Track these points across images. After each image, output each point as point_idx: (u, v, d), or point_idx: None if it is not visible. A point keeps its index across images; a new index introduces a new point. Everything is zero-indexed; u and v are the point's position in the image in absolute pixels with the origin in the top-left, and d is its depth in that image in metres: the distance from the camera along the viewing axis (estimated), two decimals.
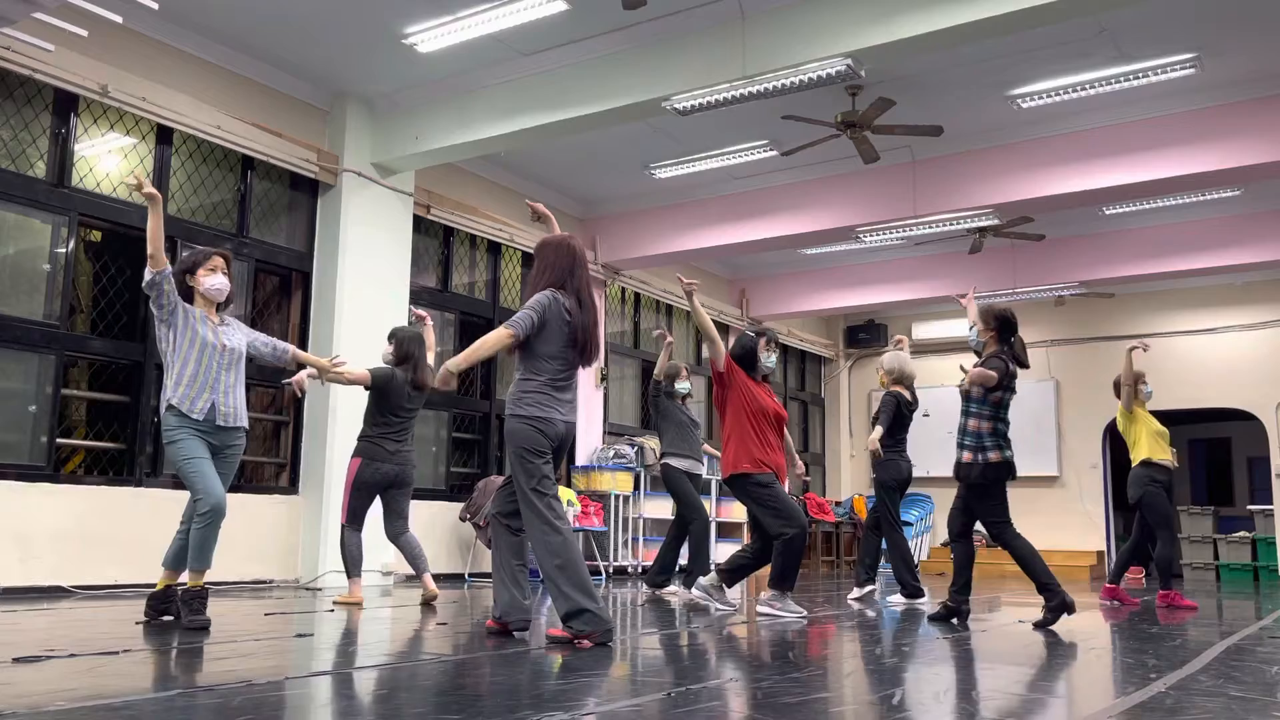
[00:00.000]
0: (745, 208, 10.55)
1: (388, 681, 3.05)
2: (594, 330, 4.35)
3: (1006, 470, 5.45)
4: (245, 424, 4.73)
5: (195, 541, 4.46)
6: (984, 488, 5.48)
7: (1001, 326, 5.56)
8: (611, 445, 10.85)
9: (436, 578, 8.82)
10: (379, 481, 6.09)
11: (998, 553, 13.20)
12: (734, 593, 7.95)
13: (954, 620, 5.51)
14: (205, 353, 4.59)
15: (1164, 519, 7.01)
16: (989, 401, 5.45)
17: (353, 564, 6.11)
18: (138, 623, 4.59)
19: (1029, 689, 3.16)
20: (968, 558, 5.65)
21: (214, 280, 4.71)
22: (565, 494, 8.94)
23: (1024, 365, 5.59)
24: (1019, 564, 5.36)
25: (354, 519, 6.10)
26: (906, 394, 7.38)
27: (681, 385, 7.68)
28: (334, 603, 6.11)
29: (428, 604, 6.04)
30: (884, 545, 7.47)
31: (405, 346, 6.27)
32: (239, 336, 4.83)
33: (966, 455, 5.48)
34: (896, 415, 7.28)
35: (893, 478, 7.29)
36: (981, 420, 5.47)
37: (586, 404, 10.84)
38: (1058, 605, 5.24)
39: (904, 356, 7.50)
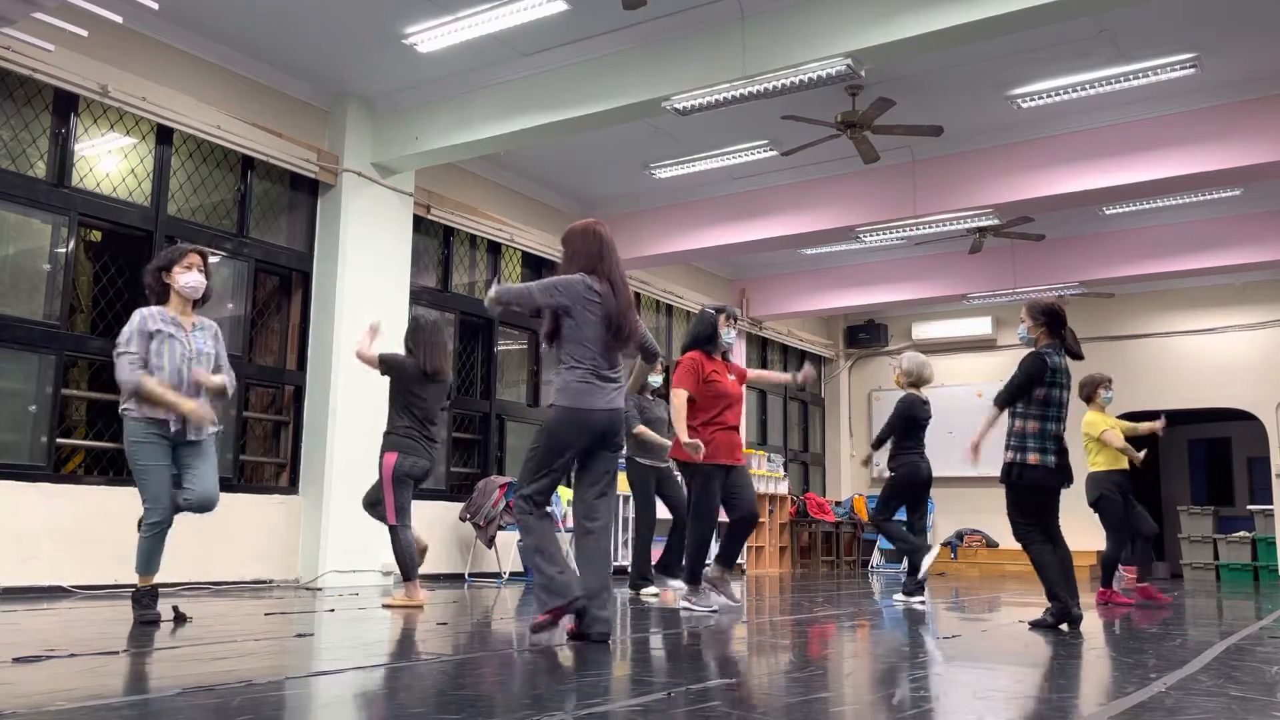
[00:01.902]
0: (745, 208, 10.55)
1: (388, 681, 3.05)
2: (629, 312, 4.24)
3: (1044, 474, 5.18)
4: (200, 435, 4.71)
5: (143, 549, 4.57)
6: (1017, 489, 5.25)
7: (1050, 320, 5.35)
8: None
9: (436, 578, 8.84)
10: (415, 474, 5.83)
11: (998, 553, 13.20)
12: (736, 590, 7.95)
13: (1063, 626, 5.17)
14: (175, 364, 4.59)
15: (1118, 522, 7.09)
16: (1035, 399, 5.23)
17: (411, 562, 5.79)
18: (141, 623, 4.59)
19: (1029, 689, 3.16)
20: (1052, 561, 5.27)
21: (189, 278, 4.69)
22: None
23: (1076, 357, 5.37)
24: (1034, 568, 5.28)
25: (401, 515, 5.81)
26: (921, 396, 7.43)
27: (653, 379, 7.64)
28: (386, 605, 5.85)
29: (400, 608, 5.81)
30: (884, 544, 7.49)
31: (410, 335, 5.99)
32: (210, 341, 4.79)
33: (1008, 455, 5.27)
34: (912, 417, 7.33)
35: (908, 477, 7.32)
36: (1027, 421, 5.25)
37: None
38: (1059, 612, 5.16)
39: (923, 358, 7.56)
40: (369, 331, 5.92)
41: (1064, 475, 5.29)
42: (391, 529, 5.81)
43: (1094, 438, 7.15)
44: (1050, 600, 5.22)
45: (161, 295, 4.71)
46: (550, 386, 10.20)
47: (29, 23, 5.78)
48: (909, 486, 7.37)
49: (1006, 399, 5.30)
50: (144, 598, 4.63)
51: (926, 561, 7.26)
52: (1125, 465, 7.16)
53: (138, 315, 4.63)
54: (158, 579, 4.70)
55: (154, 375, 4.54)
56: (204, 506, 4.67)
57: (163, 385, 4.50)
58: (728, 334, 6.00)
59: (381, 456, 5.83)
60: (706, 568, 5.97)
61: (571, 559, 4.31)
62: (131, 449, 4.56)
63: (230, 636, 4.17)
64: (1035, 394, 5.24)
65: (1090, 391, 7.30)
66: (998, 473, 5.40)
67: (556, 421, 4.13)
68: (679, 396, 5.88)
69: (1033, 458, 5.20)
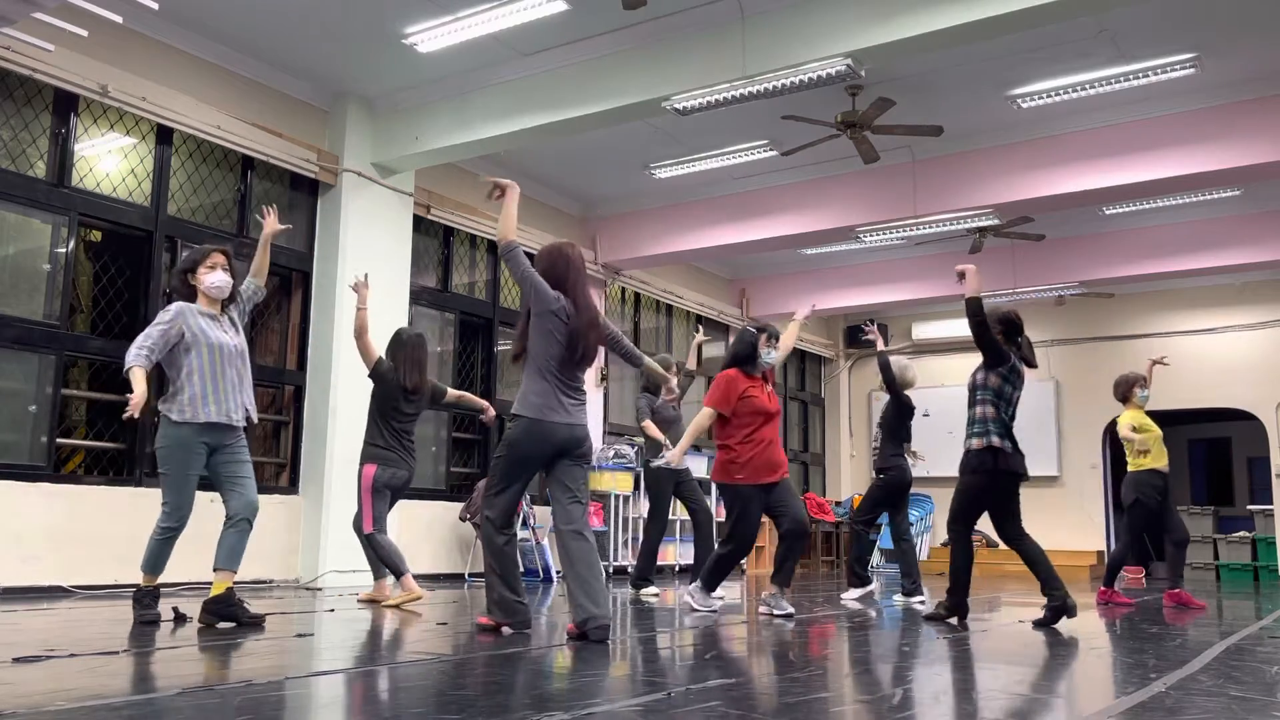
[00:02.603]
0: (745, 208, 10.55)
1: (388, 681, 3.05)
2: (590, 334, 4.43)
3: (1006, 459, 5.25)
4: (242, 422, 4.73)
5: (153, 550, 4.59)
6: (989, 475, 5.30)
7: (1007, 329, 5.45)
8: (611, 445, 10.85)
9: (436, 578, 8.84)
10: (394, 485, 5.96)
11: (998, 553, 13.20)
12: (729, 592, 7.95)
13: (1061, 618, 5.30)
14: (215, 354, 4.61)
15: (1139, 529, 7.18)
16: (990, 386, 5.33)
17: (398, 560, 5.88)
18: (141, 623, 4.58)
19: (1029, 689, 3.16)
20: (970, 565, 5.48)
21: (214, 278, 4.71)
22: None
23: (1031, 365, 5.47)
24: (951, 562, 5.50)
25: (379, 523, 5.91)
26: (910, 401, 7.50)
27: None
28: (387, 606, 5.86)
29: (393, 606, 5.81)
30: (884, 543, 7.53)
31: (390, 349, 6.08)
32: (240, 335, 4.84)
33: (975, 443, 5.35)
34: (901, 418, 7.40)
35: (898, 481, 7.34)
36: (986, 406, 5.32)
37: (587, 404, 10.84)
38: (952, 607, 5.43)
39: (905, 361, 7.63)
40: (361, 292, 5.98)
41: (1023, 465, 5.38)
42: (368, 536, 5.94)
43: (1125, 437, 7.12)
44: (948, 595, 5.46)
45: (188, 297, 4.73)
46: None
47: (29, 23, 5.78)
48: (897, 490, 7.39)
49: (981, 310, 5.28)
50: (145, 597, 4.64)
51: (856, 593, 7.26)
52: (1163, 466, 7.10)
53: (175, 307, 4.64)
54: (160, 580, 4.70)
55: (201, 366, 4.55)
56: (249, 511, 4.68)
57: (144, 382, 4.42)
58: (768, 354, 5.82)
59: (360, 467, 5.96)
60: (768, 590, 5.85)
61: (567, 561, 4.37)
62: (165, 453, 4.55)
63: (230, 636, 4.17)
64: (991, 380, 5.35)
65: (1125, 391, 7.28)
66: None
67: (518, 432, 4.35)
68: (703, 413, 5.85)
69: (995, 441, 5.29)
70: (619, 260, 11.18)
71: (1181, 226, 11.21)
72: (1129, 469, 7.16)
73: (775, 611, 5.67)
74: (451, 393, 6.36)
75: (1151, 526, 7.28)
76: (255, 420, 4.81)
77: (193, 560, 6.32)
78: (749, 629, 4.95)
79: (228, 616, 4.56)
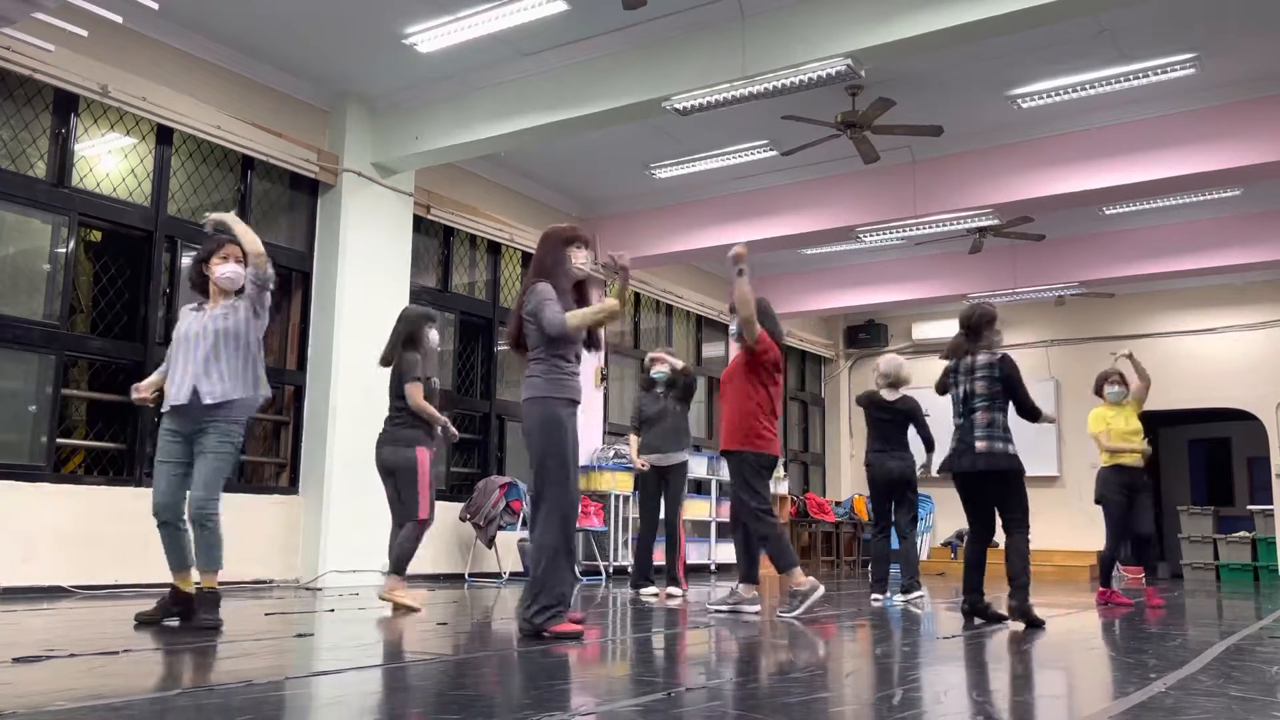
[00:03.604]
0: (745, 208, 10.55)
1: (388, 681, 3.05)
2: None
3: (947, 462, 5.53)
4: (216, 400, 4.48)
5: (163, 546, 4.62)
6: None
7: (964, 327, 5.78)
8: (611, 445, 10.85)
9: (436, 578, 8.83)
10: (379, 467, 5.78)
11: (998, 553, 13.22)
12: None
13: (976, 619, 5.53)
14: (182, 344, 4.61)
15: (1115, 522, 7.24)
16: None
17: (394, 558, 5.69)
18: (141, 623, 4.58)
19: (1029, 689, 3.16)
20: (975, 563, 5.77)
21: (225, 269, 4.72)
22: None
23: (972, 351, 5.65)
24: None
25: (394, 512, 5.77)
26: (885, 397, 7.67)
27: (656, 372, 7.63)
28: (382, 598, 5.69)
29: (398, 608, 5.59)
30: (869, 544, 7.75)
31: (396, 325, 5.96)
32: (237, 316, 4.64)
33: None
34: (869, 416, 7.66)
35: (871, 476, 7.61)
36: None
37: (587, 404, 10.82)
38: (972, 605, 5.67)
39: (900, 360, 7.74)
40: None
41: (971, 460, 5.43)
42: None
43: (1094, 434, 7.24)
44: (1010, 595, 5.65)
45: (202, 287, 4.76)
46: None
47: (29, 23, 5.78)
48: (872, 484, 7.63)
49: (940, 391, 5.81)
50: (167, 599, 4.60)
51: (880, 598, 7.15)
52: (1127, 461, 7.16)
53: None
54: (159, 579, 4.69)
55: (174, 358, 4.63)
56: (193, 509, 4.50)
57: (141, 389, 4.76)
58: (732, 327, 6.02)
59: None
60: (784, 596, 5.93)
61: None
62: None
63: (230, 636, 4.17)
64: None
65: (1096, 387, 7.46)
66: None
67: None
68: None
69: (951, 449, 5.60)
70: None
71: (1181, 226, 11.21)
72: (1100, 465, 7.28)
73: (783, 613, 5.69)
74: (432, 409, 5.76)
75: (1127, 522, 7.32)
76: (206, 402, 4.48)
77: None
78: (749, 629, 4.95)
79: (182, 615, 4.54)
